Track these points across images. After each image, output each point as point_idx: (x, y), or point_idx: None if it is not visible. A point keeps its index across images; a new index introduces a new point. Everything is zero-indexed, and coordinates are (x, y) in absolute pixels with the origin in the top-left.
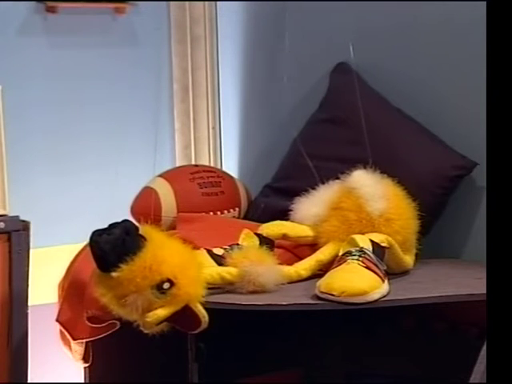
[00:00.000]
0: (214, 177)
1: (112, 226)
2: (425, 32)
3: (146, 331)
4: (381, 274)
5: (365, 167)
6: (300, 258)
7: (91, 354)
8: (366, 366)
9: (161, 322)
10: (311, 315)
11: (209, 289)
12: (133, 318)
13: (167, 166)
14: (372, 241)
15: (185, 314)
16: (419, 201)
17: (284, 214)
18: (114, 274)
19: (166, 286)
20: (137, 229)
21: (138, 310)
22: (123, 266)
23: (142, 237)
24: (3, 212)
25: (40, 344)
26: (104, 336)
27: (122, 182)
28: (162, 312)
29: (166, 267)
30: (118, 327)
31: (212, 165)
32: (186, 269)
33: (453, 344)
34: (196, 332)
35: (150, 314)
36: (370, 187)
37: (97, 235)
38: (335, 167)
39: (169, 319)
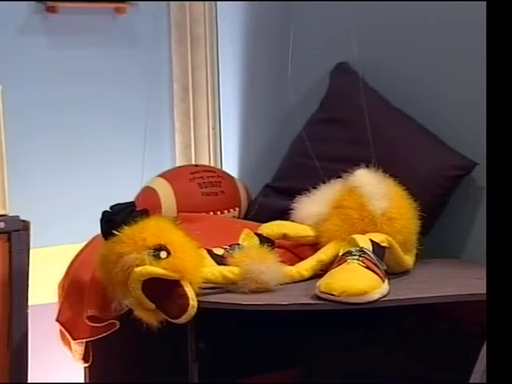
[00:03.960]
0: (214, 177)
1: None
2: (425, 32)
3: (131, 289)
4: (381, 274)
5: (367, 166)
6: (301, 258)
7: (91, 354)
8: (366, 365)
9: (149, 301)
10: (311, 315)
11: (210, 288)
12: (125, 277)
13: (167, 166)
14: (372, 241)
15: (173, 293)
16: (419, 201)
17: (284, 214)
18: (116, 232)
19: (163, 254)
20: (146, 210)
21: (132, 266)
22: (126, 228)
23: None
24: (3, 212)
25: (40, 344)
26: (104, 336)
27: (122, 182)
28: (152, 268)
29: (166, 236)
30: (117, 327)
31: (212, 165)
32: (185, 247)
33: (453, 344)
34: (181, 320)
35: (140, 267)
36: (373, 186)
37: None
38: (335, 167)
39: (156, 296)
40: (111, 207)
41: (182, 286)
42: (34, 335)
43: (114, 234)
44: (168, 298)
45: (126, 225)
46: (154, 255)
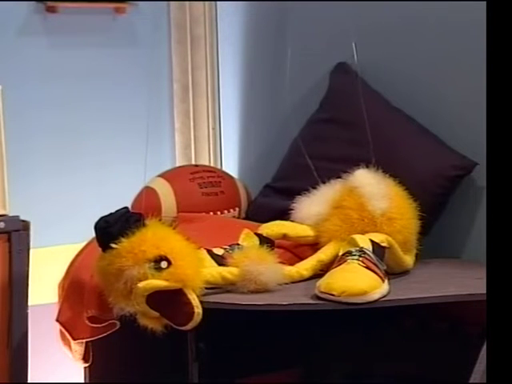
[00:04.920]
0: (214, 177)
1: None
2: (425, 32)
3: (136, 303)
4: (381, 274)
5: (367, 166)
6: (300, 258)
7: (91, 354)
8: (366, 366)
9: (154, 311)
10: (311, 315)
11: (209, 289)
12: (127, 290)
13: (167, 166)
14: (372, 241)
15: (178, 302)
16: (419, 201)
17: (284, 214)
18: (113, 245)
19: (164, 264)
20: (141, 215)
21: (134, 281)
22: (123, 240)
23: (144, 223)
24: (3, 212)
25: (40, 344)
26: (104, 336)
27: (122, 182)
28: (155, 282)
29: (165, 245)
30: (117, 327)
31: (212, 165)
32: (186, 254)
33: (453, 344)
34: (188, 327)
35: (144, 281)
36: (372, 186)
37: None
38: (335, 167)
39: (161, 307)
40: (106, 219)
41: (185, 295)
42: (34, 335)
43: (112, 247)
44: (173, 307)
45: (123, 236)
46: (155, 267)
